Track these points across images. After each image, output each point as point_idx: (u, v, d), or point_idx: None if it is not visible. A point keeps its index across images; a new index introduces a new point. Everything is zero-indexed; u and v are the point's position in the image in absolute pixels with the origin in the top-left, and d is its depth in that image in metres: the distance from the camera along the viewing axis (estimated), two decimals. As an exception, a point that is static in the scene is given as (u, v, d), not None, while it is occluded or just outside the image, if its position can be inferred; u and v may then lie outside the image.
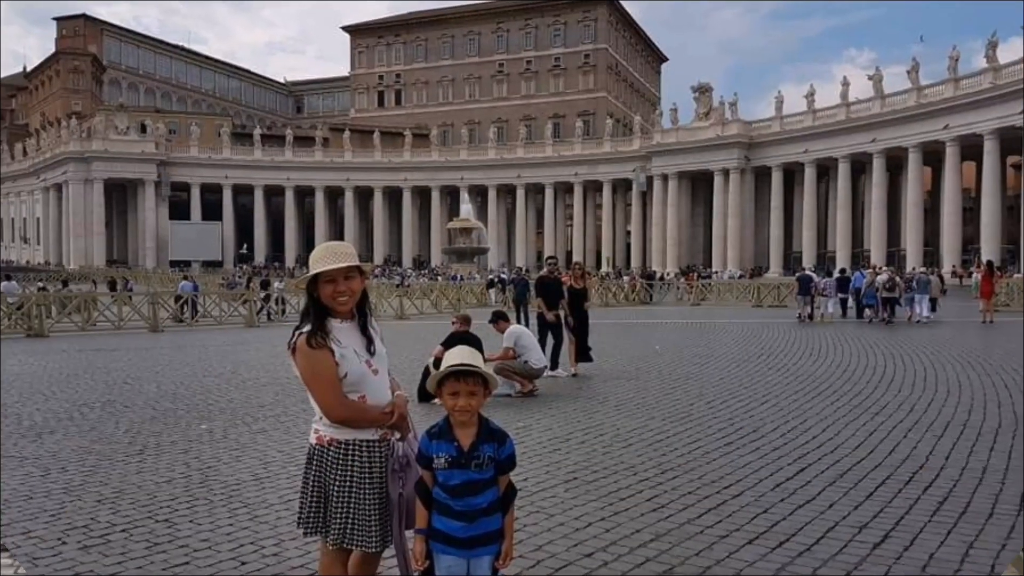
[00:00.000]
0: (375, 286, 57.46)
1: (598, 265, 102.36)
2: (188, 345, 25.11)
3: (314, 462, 4.08)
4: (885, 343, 23.39)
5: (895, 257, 78.90)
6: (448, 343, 12.79)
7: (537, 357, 14.72)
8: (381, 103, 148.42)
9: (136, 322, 32.87)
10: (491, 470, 3.85)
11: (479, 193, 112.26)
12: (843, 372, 16.78)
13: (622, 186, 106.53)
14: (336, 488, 4.00)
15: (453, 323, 14.52)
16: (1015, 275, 59.45)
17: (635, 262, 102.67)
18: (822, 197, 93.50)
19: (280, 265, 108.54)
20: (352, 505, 3.99)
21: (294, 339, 4.05)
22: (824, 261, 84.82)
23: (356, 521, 3.98)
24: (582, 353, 17.36)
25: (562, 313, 17.38)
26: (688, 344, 24.11)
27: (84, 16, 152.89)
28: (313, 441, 4.11)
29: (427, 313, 43.20)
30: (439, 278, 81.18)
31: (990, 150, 70.77)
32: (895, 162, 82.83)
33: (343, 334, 4.07)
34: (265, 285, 45.93)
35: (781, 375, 16.43)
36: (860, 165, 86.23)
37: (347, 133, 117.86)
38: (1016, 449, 9.44)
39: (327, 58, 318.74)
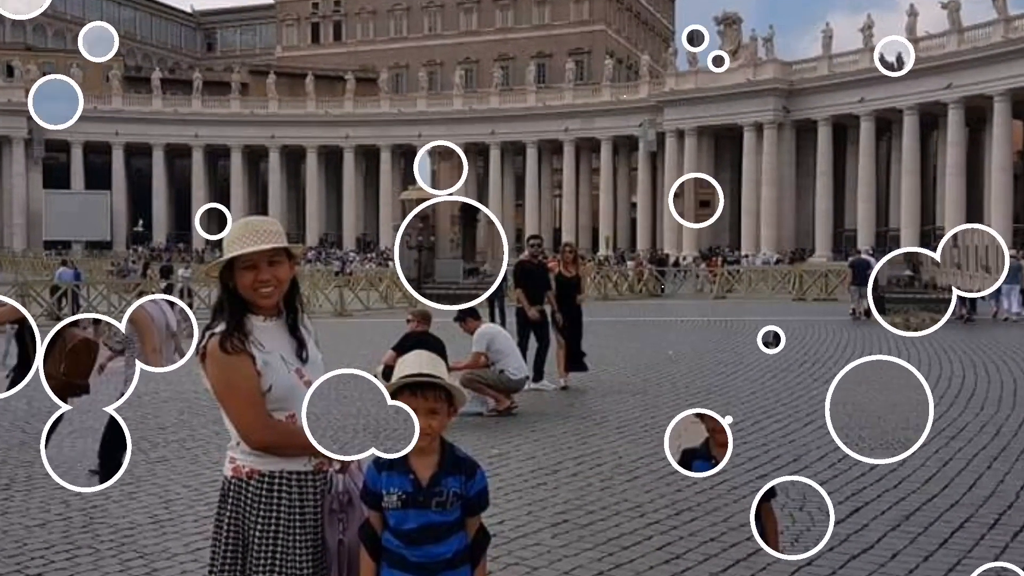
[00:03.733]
0: (308, 274, 57.40)
1: (595, 247, 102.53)
2: (66, 350, 24.93)
3: (230, 499, 4.07)
4: (963, 347, 23.54)
5: (975, 237, 79.18)
6: (402, 347, 12.78)
7: (516, 365, 14.71)
8: (316, 39, 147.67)
9: (-2, 321, 32.61)
10: (457, 510, 3.85)
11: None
12: (908, 384, 16.86)
13: (626, 145, 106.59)
14: (258, 533, 3.99)
15: (409, 322, 14.51)
16: None
17: (642, 243, 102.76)
18: (882, 160, 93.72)
19: (186, 247, 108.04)
20: (278, 554, 3.97)
21: (204, 342, 4.04)
22: (885, 242, 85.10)
23: (283, 575, 3.98)
24: (574, 360, 17.36)
25: (548, 309, 17.39)
26: (710, 349, 24.22)
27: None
28: (228, 473, 4.09)
29: (375, 309, 43.13)
30: (390, 263, 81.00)
31: (1099, 98, 71.26)
32: (976, 114, 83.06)
33: (267, 336, 4.06)
34: (166, 273, 45.74)
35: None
36: (931, 118, 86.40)
37: (272, 77, 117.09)
38: None
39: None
